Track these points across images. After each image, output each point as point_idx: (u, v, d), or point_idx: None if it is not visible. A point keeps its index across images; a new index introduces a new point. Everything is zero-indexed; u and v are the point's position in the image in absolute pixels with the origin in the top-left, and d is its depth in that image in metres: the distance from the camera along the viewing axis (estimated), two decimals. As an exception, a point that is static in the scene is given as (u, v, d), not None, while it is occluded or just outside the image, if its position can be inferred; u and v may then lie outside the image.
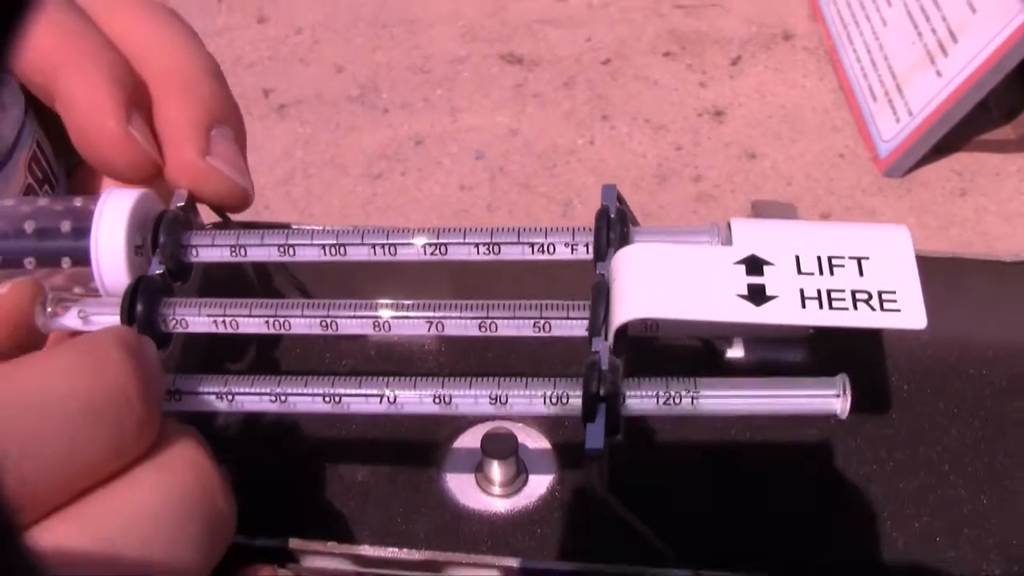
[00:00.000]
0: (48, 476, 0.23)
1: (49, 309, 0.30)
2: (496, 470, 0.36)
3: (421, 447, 0.37)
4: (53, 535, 0.23)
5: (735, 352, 0.36)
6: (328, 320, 0.31)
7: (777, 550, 0.34)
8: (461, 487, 0.36)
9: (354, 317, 0.31)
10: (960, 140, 1.63)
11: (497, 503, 0.36)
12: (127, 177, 0.35)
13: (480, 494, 0.36)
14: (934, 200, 1.60)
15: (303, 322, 0.31)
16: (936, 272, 0.32)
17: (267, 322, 0.31)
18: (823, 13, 1.87)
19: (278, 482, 0.36)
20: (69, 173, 0.42)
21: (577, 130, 1.73)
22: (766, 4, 1.93)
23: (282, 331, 0.32)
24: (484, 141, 1.71)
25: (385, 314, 0.31)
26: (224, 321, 0.32)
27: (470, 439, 0.37)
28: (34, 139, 0.39)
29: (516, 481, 0.36)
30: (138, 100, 0.34)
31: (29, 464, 0.23)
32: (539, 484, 0.36)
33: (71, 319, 0.31)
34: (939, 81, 1.59)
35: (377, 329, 0.31)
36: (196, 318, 0.32)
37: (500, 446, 0.35)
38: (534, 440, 0.37)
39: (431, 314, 0.31)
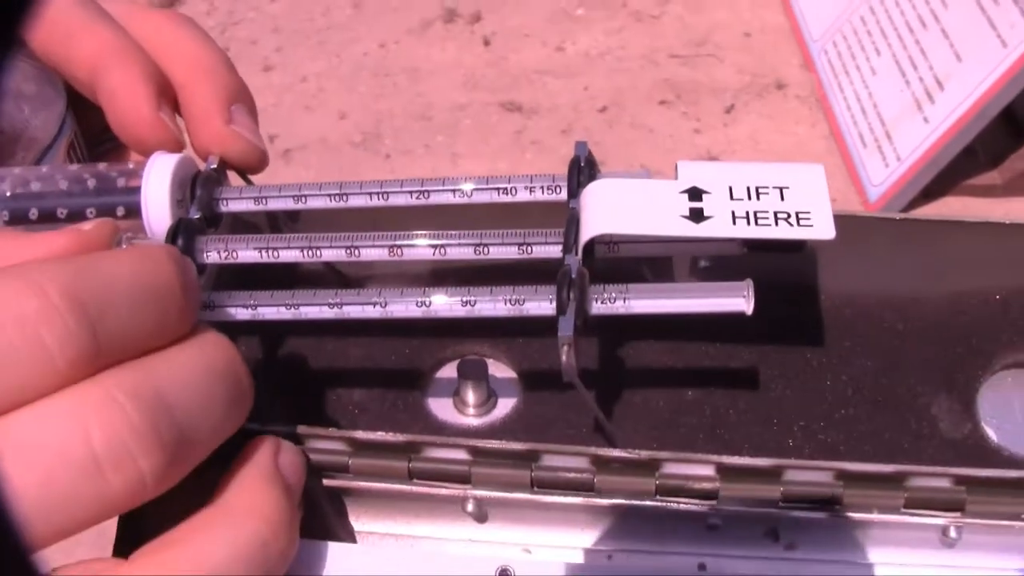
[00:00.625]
0: (115, 331, 0.30)
1: (124, 246, 0.37)
2: (470, 393, 0.42)
3: (408, 375, 0.43)
4: (118, 378, 0.30)
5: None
6: (352, 248, 0.38)
7: (702, 448, 0.40)
8: (440, 408, 0.42)
9: (373, 246, 0.38)
10: (948, 185, 1.66)
11: (470, 420, 0.42)
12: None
13: (456, 414, 0.42)
14: (922, 243, 1.63)
15: (331, 252, 0.38)
16: (844, 230, 0.38)
17: (302, 251, 0.38)
18: (815, 63, 1.91)
19: (286, 396, 0.42)
20: (96, 159, 0.49)
21: (575, 175, 1.76)
22: (759, 54, 1.97)
23: (314, 259, 0.38)
24: (485, 185, 1.75)
25: (398, 241, 0.38)
26: (267, 251, 0.38)
27: (449, 371, 0.44)
28: (72, 129, 0.46)
29: (487, 404, 0.42)
30: (165, 91, 0.42)
31: (106, 320, 0.30)
32: (506, 406, 0.42)
33: None
34: (926, 127, 1.62)
35: (392, 254, 0.38)
36: (245, 251, 0.38)
37: (473, 369, 0.42)
38: (503, 371, 0.44)
39: (435, 241, 0.38)
